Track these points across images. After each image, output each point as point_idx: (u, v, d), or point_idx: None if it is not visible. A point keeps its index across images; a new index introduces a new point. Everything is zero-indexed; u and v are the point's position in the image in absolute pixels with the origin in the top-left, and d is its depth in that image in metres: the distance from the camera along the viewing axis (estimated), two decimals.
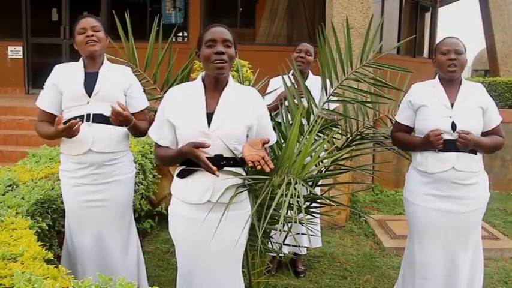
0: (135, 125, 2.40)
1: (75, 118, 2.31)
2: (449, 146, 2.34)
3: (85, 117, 2.34)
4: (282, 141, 2.32)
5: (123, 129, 2.42)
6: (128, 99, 2.45)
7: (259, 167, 1.73)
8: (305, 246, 3.47)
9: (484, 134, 2.43)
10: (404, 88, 2.77)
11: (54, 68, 2.45)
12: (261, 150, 1.77)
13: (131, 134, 2.50)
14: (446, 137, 2.34)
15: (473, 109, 2.39)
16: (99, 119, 2.35)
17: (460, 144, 2.31)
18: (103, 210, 2.42)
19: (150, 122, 2.45)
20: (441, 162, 2.37)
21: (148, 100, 2.61)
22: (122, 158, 2.45)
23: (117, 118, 2.29)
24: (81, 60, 2.46)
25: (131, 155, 2.58)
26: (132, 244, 2.59)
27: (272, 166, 1.75)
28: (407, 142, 2.55)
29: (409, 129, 2.56)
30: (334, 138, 2.74)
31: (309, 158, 2.03)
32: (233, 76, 2.06)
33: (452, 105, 2.39)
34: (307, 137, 2.34)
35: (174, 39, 2.76)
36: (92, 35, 2.35)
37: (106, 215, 2.43)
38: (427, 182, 2.45)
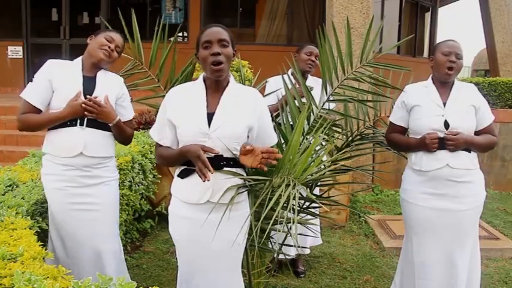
0: (120, 125, 2.39)
1: (68, 121, 2.29)
2: (443, 144, 2.37)
3: (79, 121, 2.30)
4: (282, 141, 2.31)
5: (112, 135, 2.42)
6: (118, 108, 2.44)
7: (272, 161, 1.73)
8: (306, 247, 3.47)
9: (477, 133, 2.45)
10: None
11: (47, 62, 2.39)
12: (255, 150, 1.76)
13: (116, 138, 2.46)
14: (439, 135, 2.37)
15: (465, 108, 2.42)
16: (92, 123, 2.32)
17: (449, 145, 2.34)
18: (92, 214, 2.36)
19: (151, 122, 2.45)
20: (436, 160, 2.40)
21: (151, 98, 2.60)
22: (108, 162, 2.44)
23: (95, 109, 2.26)
24: (79, 61, 2.41)
25: (115, 160, 2.57)
26: (122, 254, 2.58)
27: (277, 151, 1.76)
28: (402, 143, 2.56)
29: (403, 130, 2.58)
30: (334, 137, 2.73)
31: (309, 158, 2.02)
32: (234, 77, 2.05)
33: (444, 104, 2.42)
34: (311, 138, 2.33)
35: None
36: (112, 50, 2.37)
37: (96, 220, 2.37)
38: (422, 181, 2.47)
